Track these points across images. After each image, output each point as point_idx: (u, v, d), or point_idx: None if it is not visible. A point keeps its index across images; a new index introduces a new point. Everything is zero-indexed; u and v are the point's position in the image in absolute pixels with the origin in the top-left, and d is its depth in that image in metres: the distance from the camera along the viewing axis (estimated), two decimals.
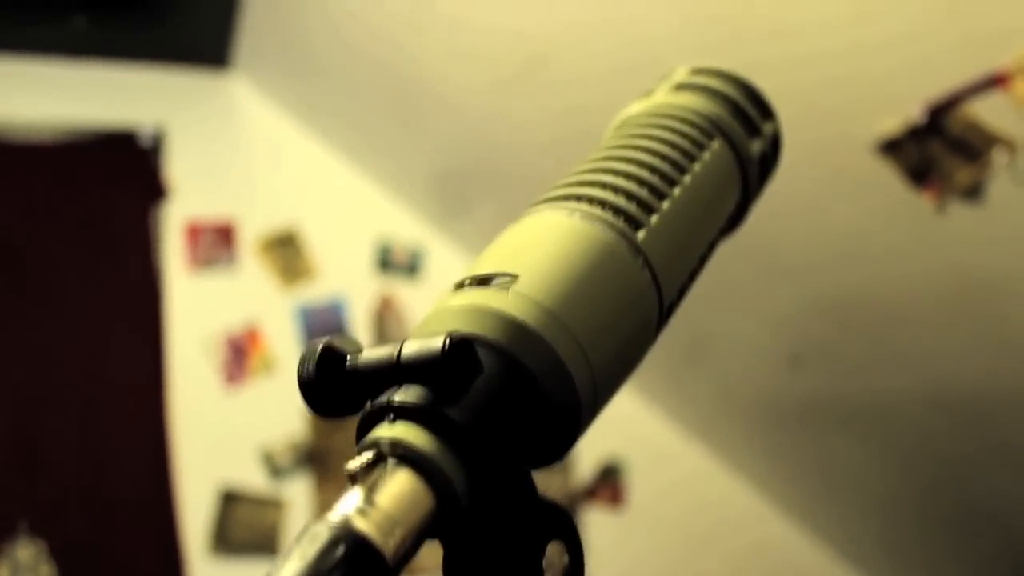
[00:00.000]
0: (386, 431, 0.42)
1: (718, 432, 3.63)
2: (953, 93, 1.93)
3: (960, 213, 2.14)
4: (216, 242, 3.42)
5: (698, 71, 0.68)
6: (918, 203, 2.18)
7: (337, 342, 0.45)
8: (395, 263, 3.60)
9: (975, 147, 1.99)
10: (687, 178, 0.58)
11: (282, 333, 3.44)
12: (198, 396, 3.29)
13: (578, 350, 0.46)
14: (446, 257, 3.61)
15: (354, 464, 0.41)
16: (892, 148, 2.10)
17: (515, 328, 0.45)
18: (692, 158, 0.59)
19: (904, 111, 2.04)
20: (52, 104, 3.37)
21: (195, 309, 3.36)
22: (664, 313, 0.54)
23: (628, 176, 0.56)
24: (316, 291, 3.51)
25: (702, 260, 0.59)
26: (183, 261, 3.38)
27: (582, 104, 2.64)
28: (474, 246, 3.54)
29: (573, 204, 0.54)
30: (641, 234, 0.53)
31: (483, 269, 0.50)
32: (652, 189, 0.56)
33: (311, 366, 0.45)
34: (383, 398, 0.43)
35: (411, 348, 0.43)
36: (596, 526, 3.56)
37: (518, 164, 3.05)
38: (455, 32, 2.77)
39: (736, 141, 0.63)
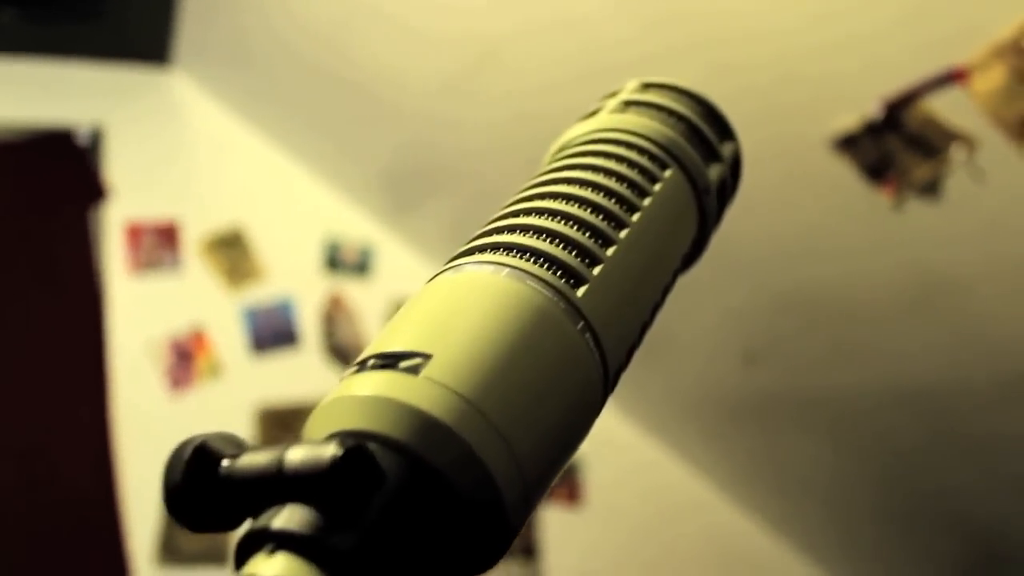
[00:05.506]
0: (263, 566, 0.34)
1: (674, 428, 3.60)
2: (911, 89, 1.89)
3: (918, 209, 2.11)
4: (158, 243, 3.32)
5: (648, 86, 0.60)
6: (875, 199, 2.14)
7: (214, 442, 0.38)
8: (344, 262, 3.52)
9: (933, 143, 1.95)
10: (636, 217, 0.50)
11: (229, 336, 3.36)
12: (143, 402, 3.19)
13: (500, 443, 0.39)
14: (396, 255, 3.54)
15: None
16: (849, 145, 2.06)
17: (423, 424, 0.38)
18: (642, 192, 0.51)
19: (861, 108, 2.00)
20: None
21: (138, 313, 3.26)
22: (610, 382, 0.46)
23: (566, 218, 0.48)
24: (263, 292, 3.42)
25: (654, 311, 0.52)
26: (124, 263, 3.28)
27: (533, 104, 2.58)
28: (424, 244, 3.48)
29: (501, 256, 0.46)
30: (581, 291, 0.45)
31: (391, 344, 0.41)
32: (594, 233, 0.48)
33: (178, 472, 0.37)
34: (261, 521, 0.35)
35: (296, 457, 0.35)
36: (554, 524, 3.51)
37: (468, 162, 2.99)
38: (401, 33, 2.69)
39: (692, 169, 0.55)
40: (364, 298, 3.51)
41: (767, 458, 3.38)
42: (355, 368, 0.41)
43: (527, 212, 0.49)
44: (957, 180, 2.00)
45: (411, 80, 2.85)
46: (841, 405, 2.87)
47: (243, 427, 3.26)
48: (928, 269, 2.29)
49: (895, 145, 2.00)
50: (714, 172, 0.57)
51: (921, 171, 2.01)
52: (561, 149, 0.57)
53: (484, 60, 2.54)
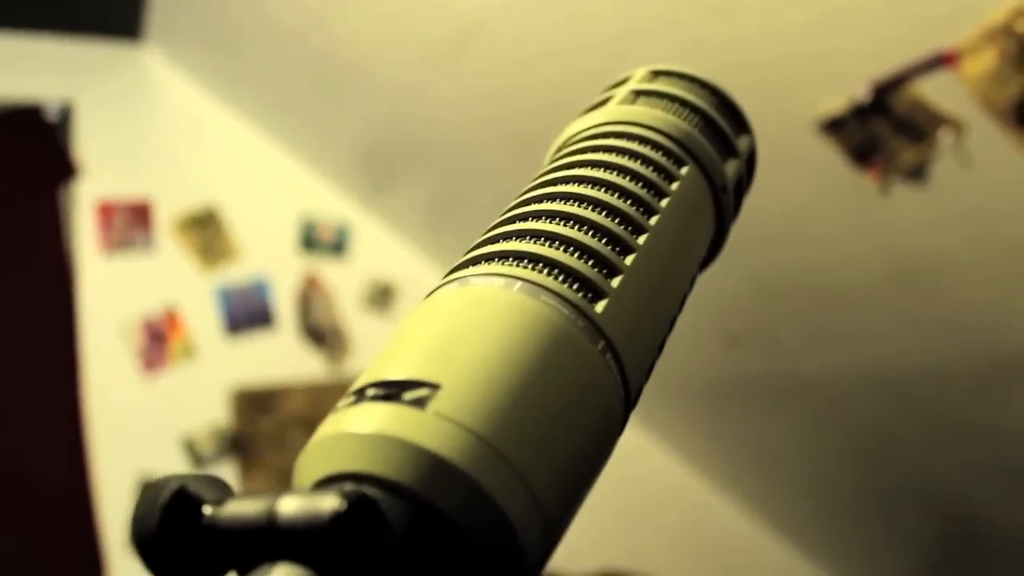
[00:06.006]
0: None
1: (655, 410, 3.58)
2: (899, 72, 1.86)
3: (904, 194, 2.08)
4: (131, 222, 3.26)
5: (659, 74, 0.55)
6: (861, 183, 2.12)
7: (194, 485, 0.33)
8: (320, 241, 3.47)
9: (920, 127, 1.92)
10: (654, 220, 0.45)
11: (203, 316, 3.30)
12: (115, 384, 3.14)
13: (517, 483, 0.35)
14: (373, 234, 3.50)
15: None
16: (835, 127, 2.03)
17: (434, 466, 0.33)
18: (660, 193, 0.46)
19: (848, 90, 1.96)
20: None
21: (110, 293, 3.20)
22: (631, 404, 0.42)
23: (581, 223, 0.43)
24: (238, 272, 3.36)
25: (672, 324, 0.47)
26: (96, 243, 3.21)
27: (512, 81, 2.53)
28: (401, 223, 3.43)
29: (511, 267, 0.41)
30: (600, 306, 0.40)
31: (393, 370, 0.37)
32: (612, 239, 0.43)
33: (153, 518, 0.32)
34: None
35: (290, 510, 0.31)
36: None
37: (445, 139, 2.94)
38: (381, 6, 2.64)
39: (710, 166, 0.51)
40: (341, 278, 3.46)
41: (749, 442, 3.36)
42: (352, 398, 0.37)
43: (536, 215, 0.44)
44: (944, 165, 1.97)
45: (390, 55, 2.79)
46: (824, 389, 2.86)
47: (218, 409, 3.21)
48: (913, 254, 2.27)
49: (882, 128, 1.97)
50: (731, 168, 0.53)
51: (908, 155, 1.98)
52: (567, 143, 0.53)
53: (467, 33, 2.49)
